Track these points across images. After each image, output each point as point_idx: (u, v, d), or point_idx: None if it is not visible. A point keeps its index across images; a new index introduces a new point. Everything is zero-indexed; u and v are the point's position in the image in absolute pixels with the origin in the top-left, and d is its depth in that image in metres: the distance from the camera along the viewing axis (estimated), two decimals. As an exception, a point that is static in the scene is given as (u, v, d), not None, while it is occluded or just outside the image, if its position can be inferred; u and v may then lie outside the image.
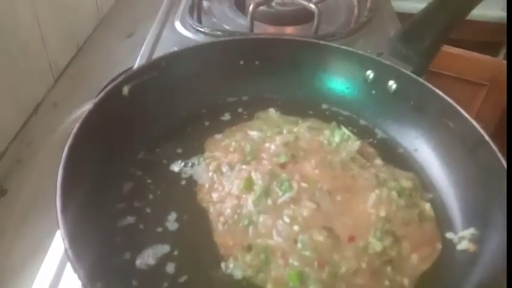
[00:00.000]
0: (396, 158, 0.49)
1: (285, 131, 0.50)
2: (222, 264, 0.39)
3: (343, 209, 0.42)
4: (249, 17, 0.68)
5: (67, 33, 0.81)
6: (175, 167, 0.47)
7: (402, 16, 0.80)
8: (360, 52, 0.53)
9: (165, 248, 0.40)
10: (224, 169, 0.46)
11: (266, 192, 0.43)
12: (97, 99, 0.43)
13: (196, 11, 0.73)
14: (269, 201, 0.42)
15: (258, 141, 0.49)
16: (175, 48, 0.55)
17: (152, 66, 0.50)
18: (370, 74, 0.53)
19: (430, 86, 0.48)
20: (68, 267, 0.44)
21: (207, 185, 0.45)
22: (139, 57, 0.66)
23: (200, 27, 0.70)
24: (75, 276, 0.31)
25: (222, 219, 0.42)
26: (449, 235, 0.42)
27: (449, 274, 0.39)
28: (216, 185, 0.45)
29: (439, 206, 0.44)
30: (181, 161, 0.48)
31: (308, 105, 0.55)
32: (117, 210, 0.42)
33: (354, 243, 0.40)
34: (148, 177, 0.46)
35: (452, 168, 0.46)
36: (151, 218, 0.42)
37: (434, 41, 0.52)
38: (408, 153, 0.50)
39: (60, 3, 0.77)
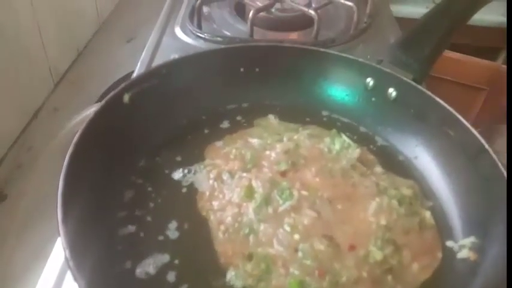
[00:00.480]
0: (396, 165, 0.49)
1: (285, 139, 0.50)
2: (223, 273, 0.39)
3: (343, 217, 0.42)
4: (249, 23, 0.68)
5: (67, 38, 0.81)
6: (176, 175, 0.47)
7: (401, 21, 0.81)
8: (360, 60, 0.53)
9: (165, 257, 0.40)
10: (225, 177, 0.46)
11: (267, 200, 0.43)
12: (98, 107, 0.43)
13: (196, 16, 0.73)
14: (270, 210, 0.42)
15: (259, 148, 0.49)
16: (176, 56, 0.55)
17: (153, 74, 0.50)
18: (370, 81, 0.53)
19: (430, 94, 0.48)
20: (70, 273, 0.44)
21: (207, 193, 0.45)
22: (139, 63, 0.66)
23: (200, 33, 0.70)
24: (76, 285, 0.31)
25: (222, 227, 0.42)
26: (449, 243, 0.42)
27: (450, 284, 0.39)
28: (216, 193, 0.45)
29: (439, 214, 0.44)
30: (182, 169, 0.48)
31: (308, 112, 0.55)
32: (117, 218, 0.42)
33: (355, 252, 0.40)
34: (149, 185, 0.46)
35: (452, 177, 0.46)
36: (152, 226, 0.42)
37: (435, 48, 0.52)
38: (408, 160, 0.50)
39: (60, 8, 0.77)
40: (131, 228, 0.42)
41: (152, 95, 0.49)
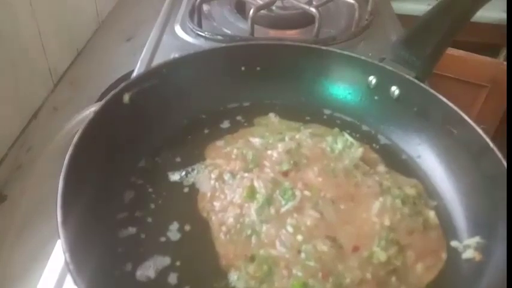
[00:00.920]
0: (400, 164, 0.49)
1: (287, 138, 0.49)
2: (225, 275, 0.39)
3: (346, 218, 0.42)
4: (249, 21, 0.68)
5: (66, 37, 0.80)
6: (177, 176, 0.47)
7: (402, 18, 0.80)
8: (362, 58, 0.53)
9: (167, 259, 0.39)
10: (226, 177, 0.46)
11: (269, 201, 0.42)
12: (97, 107, 0.43)
13: (196, 15, 0.73)
14: (272, 211, 0.42)
15: (260, 148, 0.48)
16: (176, 55, 0.54)
17: (153, 74, 0.50)
18: (372, 79, 0.53)
19: (433, 92, 0.48)
20: (68, 277, 0.43)
21: (208, 194, 0.45)
22: (139, 62, 0.66)
23: (200, 32, 0.70)
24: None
25: (224, 228, 0.42)
26: (454, 243, 0.42)
27: (455, 284, 0.38)
28: (217, 194, 0.45)
29: (443, 214, 0.44)
30: (182, 169, 0.47)
31: (310, 111, 0.55)
32: (118, 220, 0.42)
33: (358, 253, 0.39)
34: (149, 186, 0.45)
35: (456, 176, 0.46)
36: (152, 228, 0.42)
37: (438, 46, 0.52)
38: (412, 159, 0.49)
39: (59, 7, 0.76)
40: (132, 230, 0.41)
41: (152, 94, 0.48)
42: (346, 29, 0.75)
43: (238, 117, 0.54)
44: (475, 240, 0.41)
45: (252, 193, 0.43)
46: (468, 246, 0.41)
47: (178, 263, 0.39)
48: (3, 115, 0.63)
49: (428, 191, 0.46)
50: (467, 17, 0.54)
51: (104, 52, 0.86)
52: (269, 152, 0.48)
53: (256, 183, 0.44)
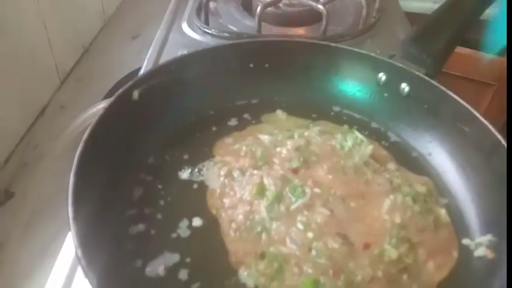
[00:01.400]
0: (410, 162, 0.48)
1: (296, 135, 0.49)
2: (235, 272, 0.38)
3: (357, 215, 0.42)
4: (256, 18, 0.67)
5: (72, 35, 0.80)
6: (186, 172, 0.46)
7: (408, 16, 0.80)
8: (372, 54, 0.52)
9: (177, 255, 0.39)
10: (235, 174, 0.45)
11: (278, 198, 0.42)
12: (107, 104, 0.43)
13: (203, 12, 0.72)
14: (282, 208, 0.41)
15: (269, 145, 0.48)
16: (185, 52, 0.54)
17: (162, 70, 0.49)
18: (382, 76, 0.52)
19: (444, 89, 0.47)
20: (79, 271, 0.43)
21: (218, 191, 0.45)
22: (146, 59, 0.66)
23: (207, 29, 0.69)
24: (87, 282, 0.31)
25: (234, 225, 0.42)
26: (465, 241, 0.41)
27: (468, 283, 0.38)
28: (227, 190, 0.44)
29: (454, 212, 0.44)
30: (192, 166, 0.47)
31: (319, 108, 0.54)
32: (127, 216, 0.42)
33: (369, 251, 0.39)
34: (158, 183, 0.45)
35: (468, 173, 0.45)
36: (162, 224, 0.42)
37: (448, 42, 0.52)
38: (422, 157, 0.49)
39: (65, 5, 0.76)
40: (141, 226, 0.41)
41: (161, 91, 0.48)
42: (353, 26, 0.74)
43: (246, 115, 0.54)
44: (487, 238, 0.41)
45: (261, 190, 0.43)
46: (480, 244, 0.41)
47: (188, 260, 0.39)
48: (10, 113, 0.63)
49: (439, 189, 0.46)
50: (477, 14, 0.54)
51: (110, 50, 0.86)
52: (278, 149, 0.47)
53: (265, 181, 0.44)
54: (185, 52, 0.54)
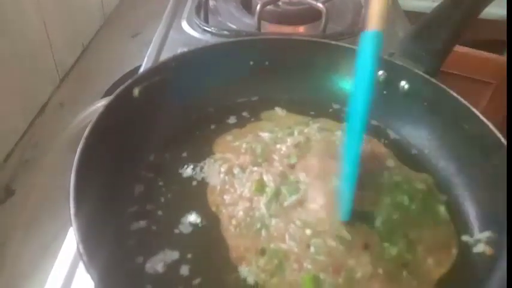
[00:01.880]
0: (409, 159, 0.49)
1: (296, 132, 0.49)
2: (235, 268, 0.38)
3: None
4: (256, 16, 0.68)
5: (72, 33, 0.80)
6: (186, 169, 0.47)
7: (407, 14, 0.80)
8: (371, 52, 0.52)
9: (178, 252, 0.39)
10: (235, 171, 0.46)
11: (277, 194, 0.42)
12: (108, 101, 0.43)
13: (203, 10, 0.73)
14: (279, 204, 0.42)
15: (269, 142, 0.48)
16: (185, 49, 0.54)
17: (162, 68, 0.49)
18: (381, 74, 0.52)
19: (444, 87, 0.48)
20: (80, 268, 0.43)
21: (218, 187, 0.45)
22: (146, 57, 0.66)
23: (207, 27, 0.70)
24: (89, 278, 0.31)
25: (234, 222, 0.42)
26: (465, 238, 0.42)
27: (467, 279, 0.38)
28: (227, 187, 0.45)
29: (454, 209, 0.44)
30: (192, 163, 0.47)
31: (319, 106, 0.54)
32: (129, 213, 0.42)
33: (369, 248, 0.39)
34: (159, 180, 0.45)
35: (467, 170, 0.45)
36: (163, 221, 0.42)
37: (447, 40, 0.52)
38: (422, 154, 0.49)
39: (65, 3, 0.76)
40: (142, 223, 0.41)
41: (162, 88, 0.48)
42: (352, 24, 0.74)
43: (245, 113, 0.54)
44: (486, 234, 0.41)
45: (261, 187, 0.43)
46: (479, 241, 0.41)
47: (189, 256, 0.39)
48: (10, 110, 0.63)
49: (439, 186, 0.46)
50: (477, 12, 0.54)
51: (110, 48, 0.86)
52: (278, 146, 0.48)
53: (265, 177, 0.44)
54: (185, 50, 0.54)
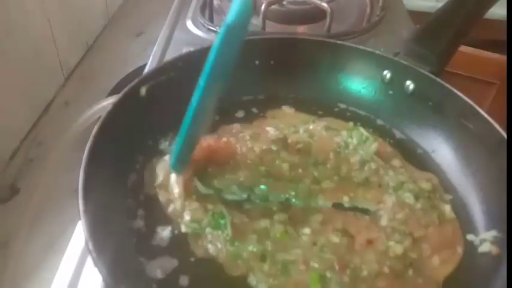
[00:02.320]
0: (415, 158, 0.49)
1: (301, 130, 0.49)
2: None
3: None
4: (261, 16, 0.68)
5: (77, 32, 0.81)
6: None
7: (411, 14, 0.80)
8: (377, 52, 0.53)
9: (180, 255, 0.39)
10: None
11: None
12: (116, 100, 0.43)
13: (208, 9, 0.73)
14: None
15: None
16: (190, 49, 0.54)
17: (169, 67, 0.50)
18: (387, 74, 0.53)
19: (449, 86, 0.48)
20: (86, 266, 0.44)
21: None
22: (151, 56, 0.66)
23: (212, 26, 0.70)
24: (98, 275, 0.31)
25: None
26: (470, 237, 0.42)
27: (473, 278, 0.38)
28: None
29: (459, 208, 0.44)
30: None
31: (324, 105, 0.55)
32: (135, 211, 0.42)
33: (373, 246, 0.40)
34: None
35: (472, 170, 0.45)
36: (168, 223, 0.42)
37: (452, 40, 0.52)
38: (427, 154, 0.49)
39: (70, 3, 0.76)
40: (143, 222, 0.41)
41: (168, 87, 0.48)
42: (357, 24, 0.74)
43: (253, 109, 0.54)
44: (492, 234, 0.41)
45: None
46: (485, 240, 0.41)
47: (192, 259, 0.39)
48: (15, 109, 0.64)
49: (444, 185, 0.46)
50: (482, 12, 0.54)
51: (114, 47, 0.86)
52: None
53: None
54: (190, 49, 0.55)
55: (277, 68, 0.55)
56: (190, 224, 0.40)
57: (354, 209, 0.43)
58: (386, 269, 0.38)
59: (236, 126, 0.50)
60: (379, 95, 0.54)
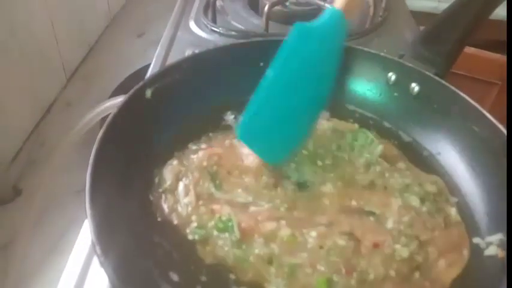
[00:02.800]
0: (420, 161, 0.49)
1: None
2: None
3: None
4: (264, 17, 0.68)
5: (79, 33, 0.80)
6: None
7: (414, 14, 0.80)
8: (381, 54, 0.53)
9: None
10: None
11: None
12: (121, 102, 0.43)
13: (211, 10, 0.72)
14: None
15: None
16: (191, 51, 0.54)
17: (174, 69, 0.50)
18: (392, 76, 0.53)
19: (454, 89, 0.48)
20: (92, 267, 0.43)
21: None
22: (154, 58, 0.66)
23: (215, 27, 0.69)
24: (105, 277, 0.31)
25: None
26: (476, 240, 0.42)
27: (480, 282, 0.38)
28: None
29: (465, 211, 0.44)
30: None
31: (330, 107, 0.54)
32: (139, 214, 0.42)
33: (380, 250, 0.40)
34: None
35: (478, 172, 0.45)
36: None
37: (458, 42, 0.52)
38: (432, 156, 0.49)
39: (72, 3, 0.76)
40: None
41: (173, 89, 0.48)
42: (360, 25, 0.74)
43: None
44: (498, 237, 0.41)
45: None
46: (491, 243, 0.41)
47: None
48: (17, 110, 0.63)
49: (450, 188, 0.46)
50: (487, 13, 0.54)
51: (116, 48, 0.86)
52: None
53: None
54: (194, 51, 0.55)
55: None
56: (198, 231, 0.40)
57: (360, 211, 0.43)
58: (392, 273, 0.38)
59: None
60: (385, 97, 0.53)
